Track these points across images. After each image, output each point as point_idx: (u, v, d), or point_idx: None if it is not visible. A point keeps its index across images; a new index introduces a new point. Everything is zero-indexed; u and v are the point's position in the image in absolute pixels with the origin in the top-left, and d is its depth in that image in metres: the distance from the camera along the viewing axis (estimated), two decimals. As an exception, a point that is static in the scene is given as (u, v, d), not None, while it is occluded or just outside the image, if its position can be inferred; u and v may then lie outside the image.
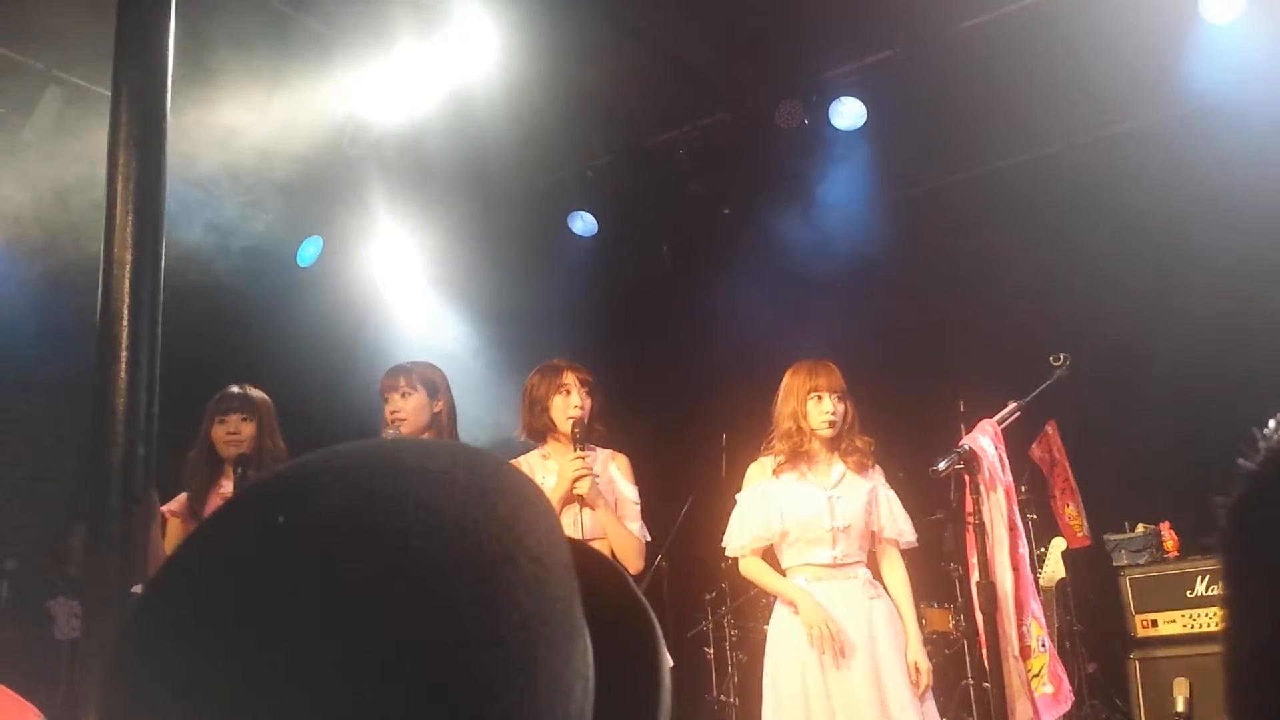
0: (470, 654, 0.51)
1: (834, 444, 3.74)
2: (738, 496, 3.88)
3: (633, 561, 3.74)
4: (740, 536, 3.77)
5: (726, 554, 3.90)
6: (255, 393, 4.00)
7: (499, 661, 0.51)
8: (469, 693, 0.50)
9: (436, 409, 3.84)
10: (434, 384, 3.88)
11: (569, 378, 3.73)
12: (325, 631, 0.49)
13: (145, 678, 0.52)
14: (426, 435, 3.84)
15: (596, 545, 3.70)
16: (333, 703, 0.48)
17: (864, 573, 3.65)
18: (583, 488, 3.62)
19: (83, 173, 4.71)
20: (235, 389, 3.97)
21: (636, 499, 3.80)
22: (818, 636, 3.48)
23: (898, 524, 3.69)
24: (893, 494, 3.75)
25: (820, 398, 3.69)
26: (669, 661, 0.65)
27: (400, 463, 0.56)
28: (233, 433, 3.85)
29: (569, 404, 3.69)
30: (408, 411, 3.81)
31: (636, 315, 6.75)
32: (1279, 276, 4.76)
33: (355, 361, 6.01)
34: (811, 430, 3.69)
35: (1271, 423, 0.53)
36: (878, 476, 3.77)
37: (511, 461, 3.90)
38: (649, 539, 3.87)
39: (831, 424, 3.66)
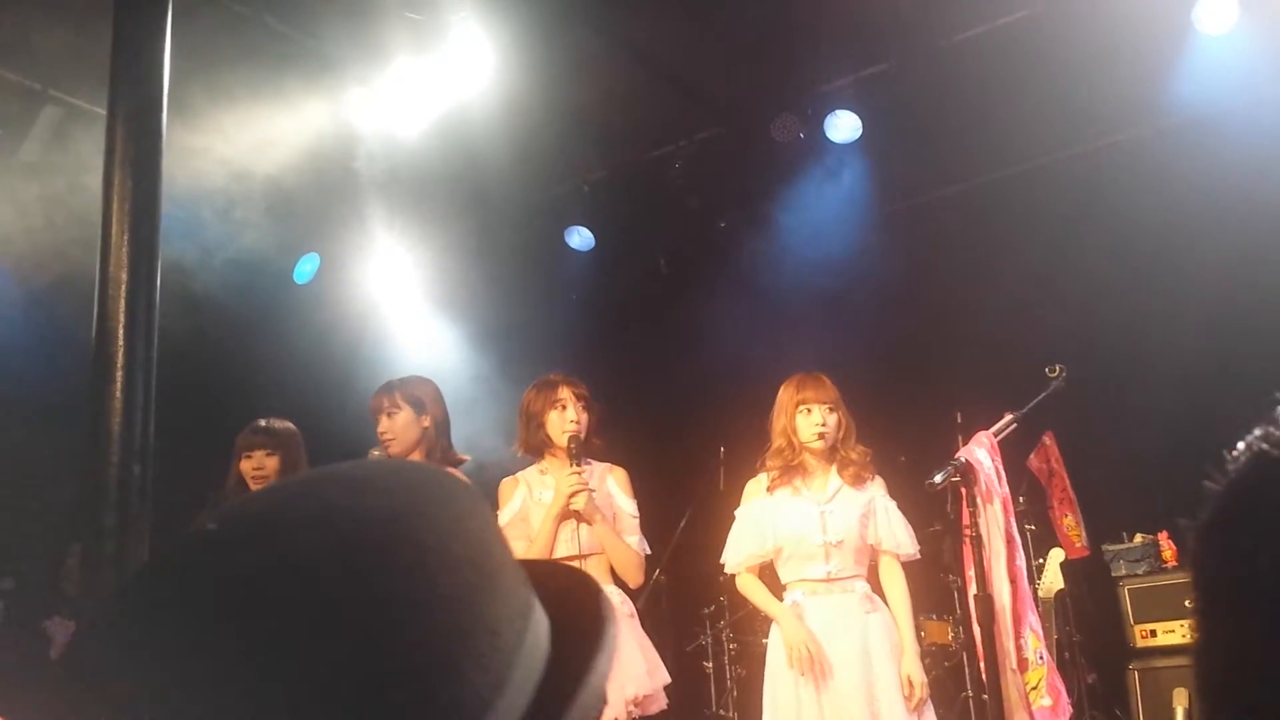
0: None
1: (830, 456, 3.73)
2: (736, 513, 3.88)
3: (632, 575, 3.74)
4: (736, 554, 3.78)
5: (725, 571, 3.90)
6: (280, 425, 4.01)
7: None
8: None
9: (424, 424, 3.84)
10: (420, 400, 3.86)
11: (564, 393, 3.75)
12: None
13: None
14: (416, 452, 3.83)
15: (594, 560, 3.71)
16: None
17: (862, 586, 3.61)
18: (579, 503, 3.63)
19: (79, 193, 4.72)
20: (261, 423, 3.99)
21: (635, 512, 3.81)
22: (797, 658, 3.49)
23: (896, 536, 3.64)
24: (893, 505, 3.70)
25: (810, 410, 3.69)
26: (615, 633, 0.69)
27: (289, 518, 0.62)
28: (258, 468, 3.88)
29: (565, 419, 3.71)
30: (395, 430, 3.81)
31: (634, 329, 6.76)
32: (1272, 285, 4.76)
33: (353, 379, 6.01)
34: (803, 444, 3.69)
35: (1240, 444, 0.53)
36: (876, 488, 3.72)
37: (508, 478, 3.89)
38: (649, 552, 3.87)
39: (821, 436, 3.65)
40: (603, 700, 0.66)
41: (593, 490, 3.69)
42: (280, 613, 0.55)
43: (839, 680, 3.46)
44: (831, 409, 3.69)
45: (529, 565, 0.69)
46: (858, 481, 3.68)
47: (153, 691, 0.55)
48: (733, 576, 3.96)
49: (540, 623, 0.65)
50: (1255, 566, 0.49)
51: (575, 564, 3.63)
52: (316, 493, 0.62)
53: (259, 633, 0.55)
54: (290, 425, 4.03)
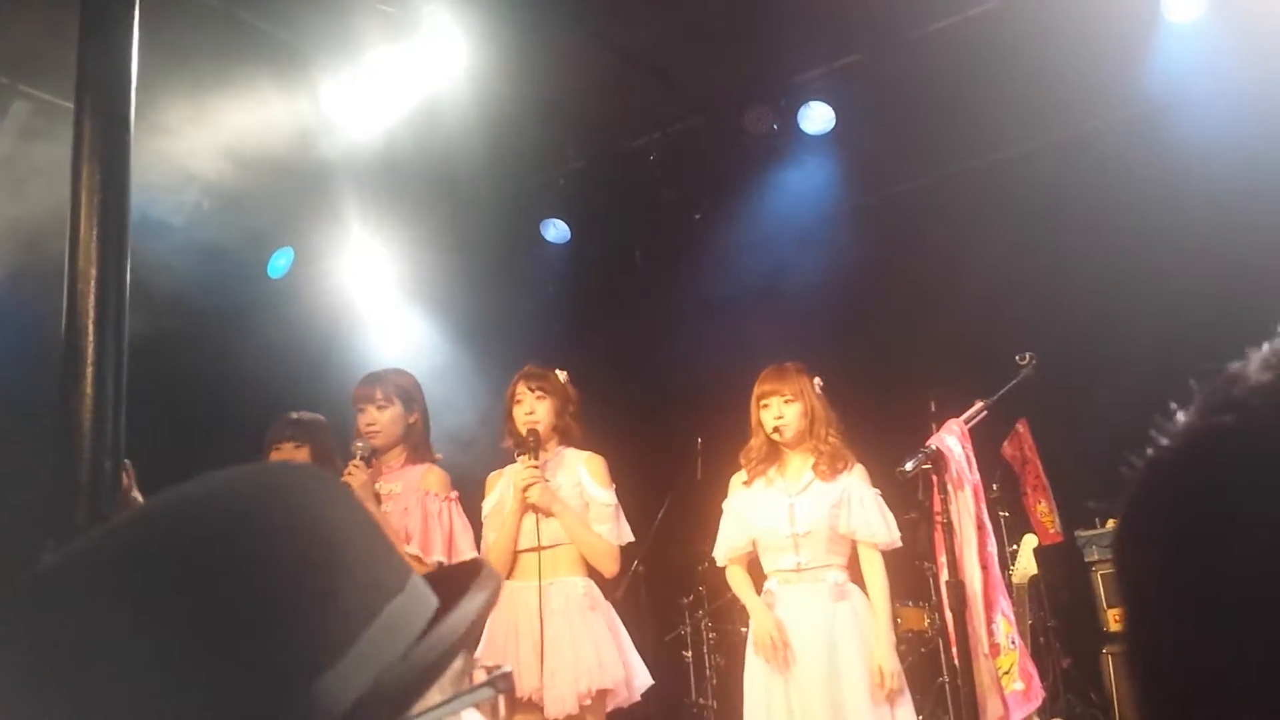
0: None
1: (804, 447, 3.74)
2: (723, 505, 3.92)
3: (605, 565, 3.75)
4: (720, 547, 3.85)
5: (716, 564, 3.95)
6: (309, 417, 3.98)
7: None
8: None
9: (411, 420, 3.86)
10: (410, 395, 3.88)
11: (520, 387, 3.86)
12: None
13: None
14: (400, 446, 3.85)
15: (560, 551, 3.74)
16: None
17: (833, 576, 3.62)
18: (534, 496, 3.67)
19: (48, 188, 4.68)
20: (292, 416, 3.96)
21: (609, 500, 3.82)
22: (761, 646, 3.56)
23: (870, 526, 3.63)
24: (870, 494, 3.69)
25: (768, 405, 3.72)
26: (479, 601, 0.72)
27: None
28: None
29: (521, 413, 3.82)
30: (383, 424, 3.81)
31: (610, 321, 6.75)
32: (1243, 271, 4.81)
33: (328, 372, 5.99)
34: (767, 437, 3.72)
35: (1167, 427, 0.53)
36: (851, 478, 3.71)
37: (494, 472, 3.96)
38: (629, 539, 3.88)
39: (778, 430, 3.67)
40: (452, 654, 0.69)
41: (548, 480, 3.72)
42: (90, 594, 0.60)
43: (803, 668, 3.49)
44: (789, 401, 3.70)
45: (453, 569, 0.75)
46: (830, 473, 3.68)
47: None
48: (712, 565, 4.04)
49: (411, 607, 0.68)
50: (1179, 559, 0.47)
51: (535, 555, 3.67)
52: (172, 493, 0.67)
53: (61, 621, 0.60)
54: (319, 417, 4.01)
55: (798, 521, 3.64)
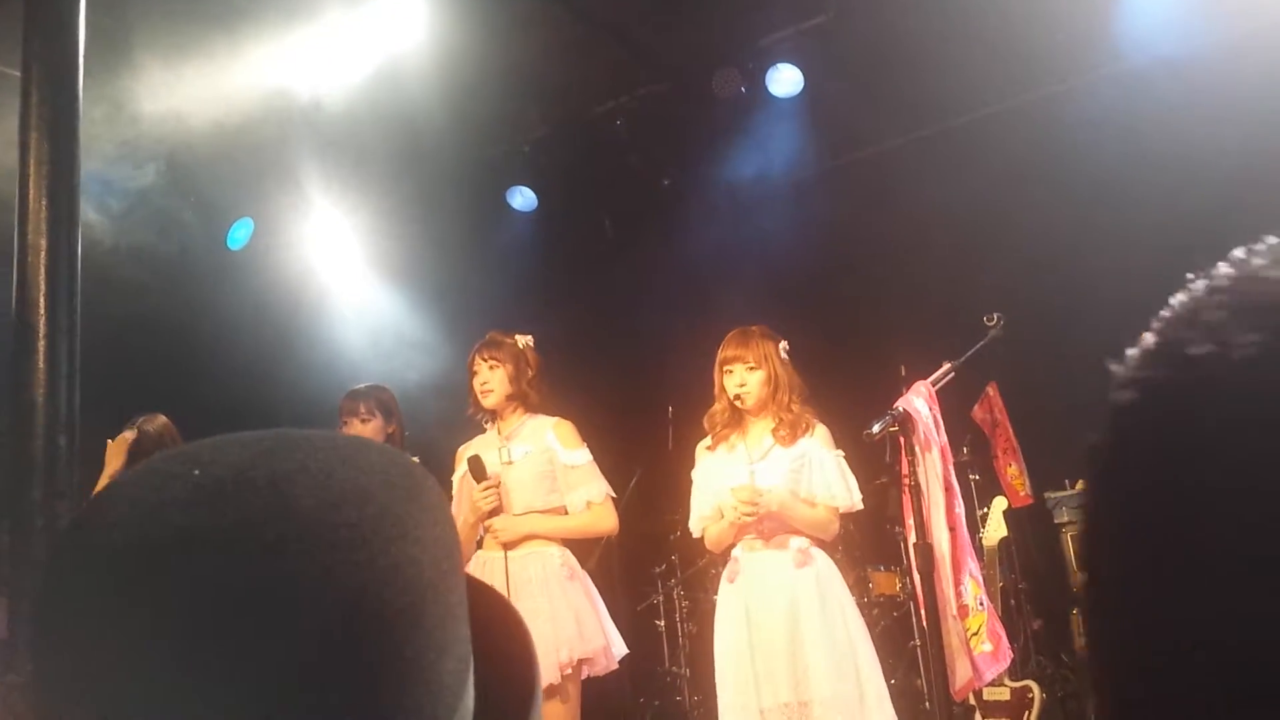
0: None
1: (767, 413, 3.70)
2: (692, 475, 3.89)
3: (603, 529, 3.91)
4: (693, 518, 3.81)
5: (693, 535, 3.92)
6: (377, 389, 4.30)
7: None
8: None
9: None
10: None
11: (476, 358, 3.91)
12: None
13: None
14: None
15: (532, 519, 3.76)
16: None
17: (796, 542, 3.57)
18: (501, 536, 3.74)
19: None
20: (361, 387, 4.30)
21: (581, 460, 3.83)
22: (734, 509, 3.51)
23: (830, 488, 3.57)
24: (830, 456, 3.63)
25: (730, 371, 3.68)
26: (539, 666, 0.66)
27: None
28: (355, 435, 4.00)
29: (477, 384, 3.88)
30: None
31: (579, 290, 6.70)
32: (1213, 232, 4.80)
33: (291, 345, 5.91)
34: (729, 403, 3.69)
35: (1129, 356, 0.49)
36: (811, 441, 3.65)
37: (464, 445, 3.99)
38: (611, 495, 3.89)
39: (739, 396, 3.64)
40: None
41: (498, 486, 3.77)
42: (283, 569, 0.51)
43: (767, 634, 3.47)
44: (752, 368, 3.65)
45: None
46: (791, 438, 3.64)
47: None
48: (684, 534, 4.04)
49: (470, 676, 0.60)
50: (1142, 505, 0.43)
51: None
52: (302, 456, 0.56)
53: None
54: (385, 388, 4.33)
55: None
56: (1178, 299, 0.47)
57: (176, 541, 0.51)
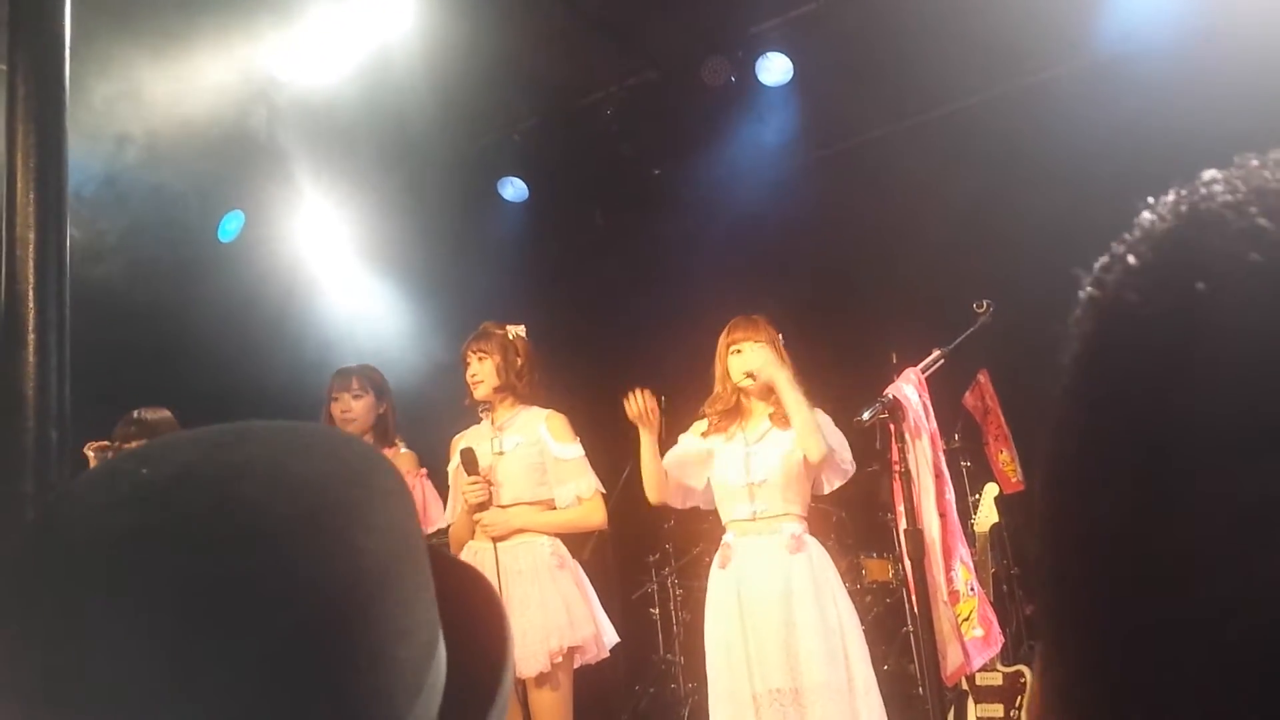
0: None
1: (764, 398, 3.73)
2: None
3: (593, 524, 3.90)
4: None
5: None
6: (366, 368, 4.29)
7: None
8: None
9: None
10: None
11: (467, 351, 3.94)
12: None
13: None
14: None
15: (521, 510, 3.76)
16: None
17: (790, 526, 3.60)
18: (491, 531, 3.75)
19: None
20: (351, 366, 4.27)
21: (573, 454, 3.83)
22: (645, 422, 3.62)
23: (830, 438, 3.63)
24: (825, 418, 3.68)
25: (740, 351, 3.69)
26: (514, 640, 0.66)
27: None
28: (345, 410, 4.14)
29: (468, 376, 3.91)
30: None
31: (571, 279, 6.69)
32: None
33: (282, 337, 5.89)
34: (735, 386, 3.70)
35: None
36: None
37: (457, 436, 4.02)
38: (600, 490, 3.89)
39: (749, 375, 3.65)
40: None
41: (495, 487, 3.79)
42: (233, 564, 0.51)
43: (760, 619, 3.49)
44: (763, 345, 3.69)
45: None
46: (788, 421, 3.66)
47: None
48: (677, 524, 4.03)
49: (442, 650, 0.60)
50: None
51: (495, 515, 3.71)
52: (249, 448, 0.56)
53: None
54: (373, 367, 4.32)
55: (753, 470, 3.64)
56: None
57: (126, 538, 0.51)
